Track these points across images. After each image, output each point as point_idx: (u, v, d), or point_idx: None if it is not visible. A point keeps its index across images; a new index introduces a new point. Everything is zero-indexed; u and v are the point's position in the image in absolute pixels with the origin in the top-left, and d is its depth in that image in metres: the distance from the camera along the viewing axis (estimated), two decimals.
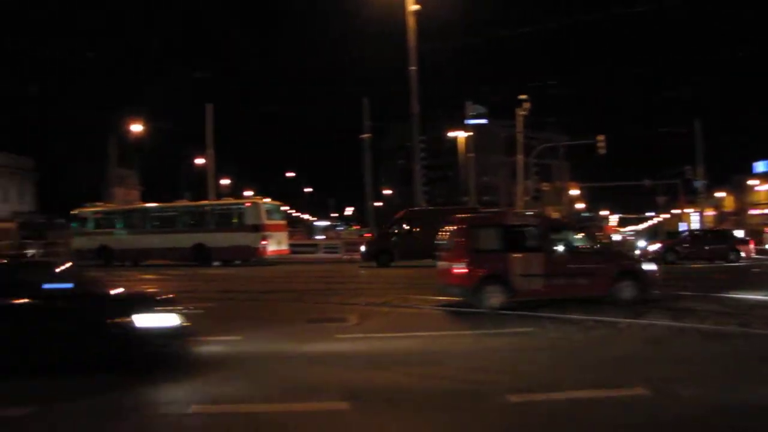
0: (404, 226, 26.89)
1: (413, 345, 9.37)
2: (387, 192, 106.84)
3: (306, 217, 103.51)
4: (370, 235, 36.53)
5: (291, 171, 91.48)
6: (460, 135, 49.98)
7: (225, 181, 69.43)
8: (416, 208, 29.62)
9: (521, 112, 39.06)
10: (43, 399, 6.17)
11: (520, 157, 41.87)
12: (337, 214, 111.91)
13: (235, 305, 14.44)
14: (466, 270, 12.10)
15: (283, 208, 31.81)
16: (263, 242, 27.81)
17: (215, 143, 37.01)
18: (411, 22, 27.70)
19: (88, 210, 31.60)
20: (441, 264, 13.45)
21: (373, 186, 41.27)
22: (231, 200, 32.98)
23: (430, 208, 35.74)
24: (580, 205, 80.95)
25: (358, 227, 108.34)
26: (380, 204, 78.97)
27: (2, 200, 50.02)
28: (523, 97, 37.73)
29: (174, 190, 53.28)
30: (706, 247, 27.82)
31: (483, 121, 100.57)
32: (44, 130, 54.47)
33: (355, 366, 7.87)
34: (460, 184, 68.62)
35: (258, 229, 27.92)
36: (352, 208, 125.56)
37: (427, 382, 7.03)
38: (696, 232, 34.57)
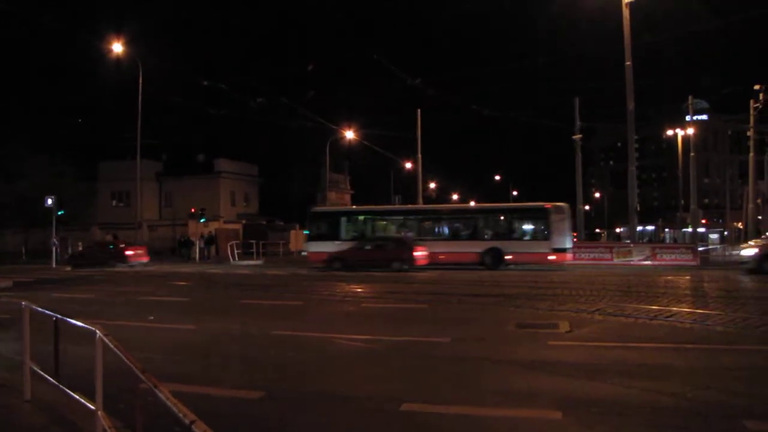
0: None
1: (630, 356, 8.77)
2: (596, 195, 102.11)
3: None
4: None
5: (498, 174, 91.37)
6: (679, 133, 45.98)
7: (432, 185, 71.23)
8: None
9: (756, 104, 34.88)
10: None
11: (752, 156, 37.49)
12: None
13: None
14: None
15: None
16: None
17: (423, 147, 37.98)
18: (626, 14, 26.21)
19: None
20: None
21: (582, 188, 39.49)
22: None
23: None
24: None
25: None
26: (588, 208, 75.51)
27: (231, 204, 55.85)
28: (758, 87, 33.68)
29: (383, 194, 55.58)
30: (378, 254, 27.11)
31: (703, 116, 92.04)
32: (266, 139, 59.97)
33: (570, 374, 7.57)
34: (678, 185, 63.57)
35: None
36: None
37: (648, 397, 6.52)
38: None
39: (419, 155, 37.83)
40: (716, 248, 41.43)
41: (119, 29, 38.27)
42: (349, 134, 46.35)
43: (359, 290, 19.14)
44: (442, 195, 74.89)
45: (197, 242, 39.51)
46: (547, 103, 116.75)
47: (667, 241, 71.03)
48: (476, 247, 28.95)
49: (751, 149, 37.64)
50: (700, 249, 32.58)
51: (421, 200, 37.86)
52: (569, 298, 15.26)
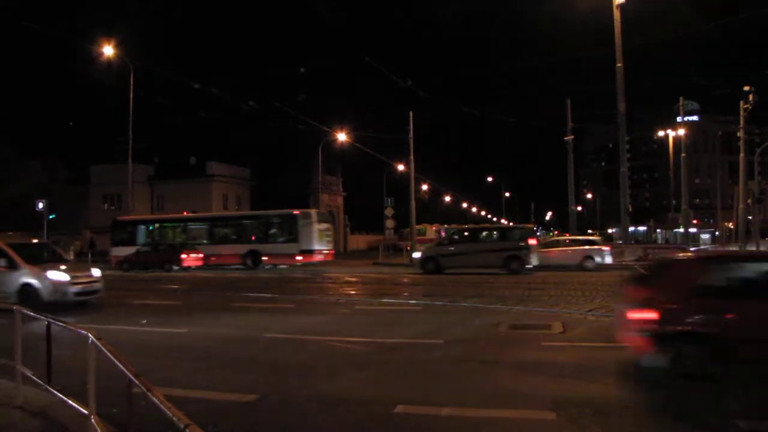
0: None
1: (623, 356, 8.79)
2: (588, 196, 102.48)
3: (504, 221, 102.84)
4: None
5: (491, 175, 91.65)
6: (670, 134, 46.11)
7: (425, 187, 71.25)
8: None
9: (745, 105, 35.03)
10: None
11: (742, 156, 37.68)
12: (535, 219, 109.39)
13: None
14: None
15: None
16: None
17: (416, 149, 37.88)
18: (617, 15, 26.27)
19: None
20: None
21: (574, 190, 39.48)
22: None
23: None
24: None
25: (557, 232, 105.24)
26: (581, 209, 75.76)
27: (223, 207, 55.62)
28: (747, 88, 33.81)
29: (377, 196, 55.48)
30: (153, 257, 30.59)
31: (694, 117, 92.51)
32: (258, 142, 59.72)
33: (563, 375, 7.59)
34: (669, 186, 63.89)
35: None
36: (550, 213, 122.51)
37: (642, 397, 6.54)
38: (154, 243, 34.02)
39: (412, 157, 37.73)
40: None
41: (110, 32, 38.01)
42: (342, 136, 46.27)
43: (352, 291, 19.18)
44: (435, 196, 74.97)
45: None
46: (539, 104, 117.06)
47: (659, 242, 71.25)
48: (240, 250, 32.09)
49: (742, 150, 37.77)
50: None
51: (413, 202, 37.76)
52: (561, 299, 15.31)
